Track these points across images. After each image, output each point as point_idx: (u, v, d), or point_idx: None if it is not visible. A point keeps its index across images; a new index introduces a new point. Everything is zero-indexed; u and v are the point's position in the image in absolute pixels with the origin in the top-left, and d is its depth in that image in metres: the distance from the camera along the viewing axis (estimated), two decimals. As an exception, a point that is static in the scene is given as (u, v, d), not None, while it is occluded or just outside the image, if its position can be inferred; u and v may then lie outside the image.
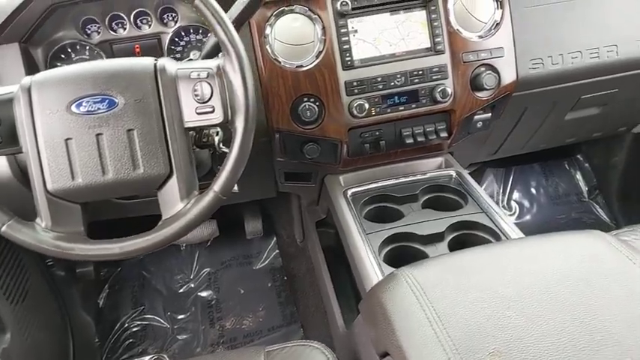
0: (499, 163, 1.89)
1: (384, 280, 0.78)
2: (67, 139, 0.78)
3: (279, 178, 1.34)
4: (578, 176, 1.93)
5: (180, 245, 1.80)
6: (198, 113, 0.83)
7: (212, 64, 0.84)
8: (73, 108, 0.78)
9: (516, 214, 1.88)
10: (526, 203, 1.90)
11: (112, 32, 1.12)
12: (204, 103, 0.82)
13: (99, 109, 0.79)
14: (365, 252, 1.00)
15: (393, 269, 0.90)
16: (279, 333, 1.58)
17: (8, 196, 0.93)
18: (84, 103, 0.79)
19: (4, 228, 0.79)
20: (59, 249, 0.80)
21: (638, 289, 0.67)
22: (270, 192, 1.43)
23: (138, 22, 1.14)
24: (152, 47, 1.15)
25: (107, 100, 0.79)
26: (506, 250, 0.79)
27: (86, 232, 0.83)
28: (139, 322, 1.66)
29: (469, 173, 1.75)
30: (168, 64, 0.84)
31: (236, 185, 1.12)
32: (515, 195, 1.91)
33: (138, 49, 1.15)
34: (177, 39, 1.15)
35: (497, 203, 1.89)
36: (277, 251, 1.79)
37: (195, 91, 0.82)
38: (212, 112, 0.83)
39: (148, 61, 0.82)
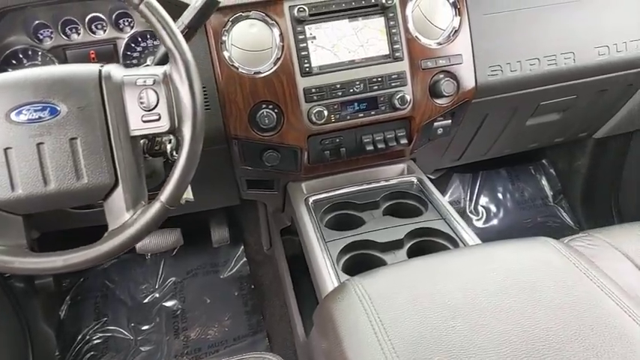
0: (466, 169, 1.91)
1: (335, 290, 0.77)
2: (6, 149, 0.75)
3: (242, 186, 1.32)
4: (544, 181, 1.96)
5: (145, 254, 1.76)
6: (144, 121, 0.81)
7: (159, 70, 0.82)
8: (13, 116, 0.75)
9: (483, 219, 1.90)
10: (493, 208, 1.92)
11: (64, 37, 1.09)
12: (149, 110, 0.80)
13: (40, 117, 0.76)
14: (323, 260, 0.99)
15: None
16: (244, 343, 1.56)
17: None
18: (24, 111, 0.76)
19: None
20: None
21: (583, 297, 0.68)
22: (233, 199, 1.41)
23: (92, 27, 1.11)
24: (108, 53, 1.13)
25: (49, 108, 0.77)
26: (457, 258, 0.79)
27: (29, 244, 0.80)
28: (101, 334, 1.62)
29: (435, 179, 1.78)
30: (114, 70, 0.82)
31: (191, 194, 1.11)
32: (482, 200, 1.92)
33: (93, 55, 1.12)
34: (133, 45, 1.13)
35: (464, 208, 1.91)
36: (245, 259, 1.77)
37: (141, 98, 0.80)
38: (158, 119, 0.81)
39: (92, 68, 0.80)
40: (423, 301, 0.68)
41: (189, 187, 1.13)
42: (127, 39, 1.12)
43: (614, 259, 0.97)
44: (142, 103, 0.80)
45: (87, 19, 1.09)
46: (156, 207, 0.80)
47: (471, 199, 1.91)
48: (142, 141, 0.93)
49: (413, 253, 1.03)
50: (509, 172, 1.97)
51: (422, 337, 0.61)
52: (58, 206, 0.83)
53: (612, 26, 1.25)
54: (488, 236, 1.83)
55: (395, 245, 1.04)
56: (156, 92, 0.80)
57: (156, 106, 0.80)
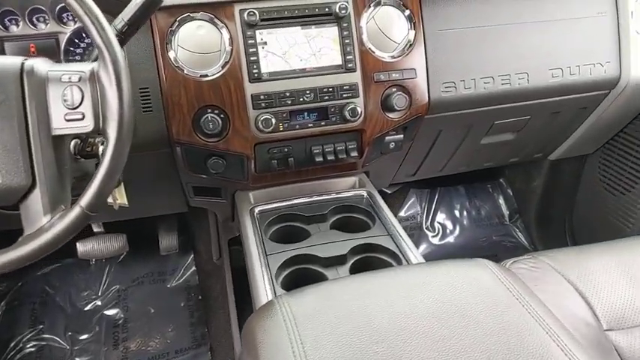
0: (423, 184, 1.91)
1: (262, 308, 0.73)
2: None
3: (188, 192, 1.27)
4: (501, 200, 1.98)
5: (89, 260, 1.68)
6: (67, 120, 0.76)
7: (86, 67, 0.77)
8: None
9: (439, 235, 1.89)
10: (449, 225, 1.91)
11: (2, 29, 1.03)
12: (73, 109, 0.76)
13: None
14: (260, 274, 0.95)
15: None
16: (186, 356, 1.49)
17: None
18: None
19: None
20: None
21: (513, 323, 0.66)
22: (180, 206, 1.35)
23: (34, 19, 1.05)
24: (49, 47, 1.07)
25: None
26: (390, 279, 0.76)
27: None
28: (35, 342, 1.53)
29: (391, 193, 1.76)
30: (39, 64, 0.77)
31: (125, 199, 1.05)
32: (439, 216, 1.92)
33: (33, 49, 1.06)
34: (77, 40, 1.07)
35: (421, 224, 1.90)
36: (194, 269, 1.71)
37: (65, 95, 0.75)
38: (82, 119, 0.76)
39: (13, 61, 0.75)
40: (348, 323, 0.64)
41: (124, 192, 1.09)
42: (69, 34, 1.06)
43: (555, 283, 0.96)
44: (65, 100, 0.76)
45: (27, 11, 1.04)
46: (75, 212, 0.75)
47: (427, 215, 1.90)
48: (73, 141, 0.88)
49: (356, 270, 1.00)
50: (467, 190, 1.97)
51: (341, 361, 0.58)
52: None
53: (567, 50, 1.26)
54: (443, 252, 1.83)
55: (338, 261, 1.01)
56: (81, 90, 0.76)
57: (80, 104, 0.76)
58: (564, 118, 1.43)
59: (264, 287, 0.92)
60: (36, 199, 0.74)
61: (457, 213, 1.94)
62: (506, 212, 1.97)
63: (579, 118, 1.46)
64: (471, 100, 1.21)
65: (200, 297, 1.65)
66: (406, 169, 1.46)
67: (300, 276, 1.00)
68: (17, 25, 1.04)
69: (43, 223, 0.74)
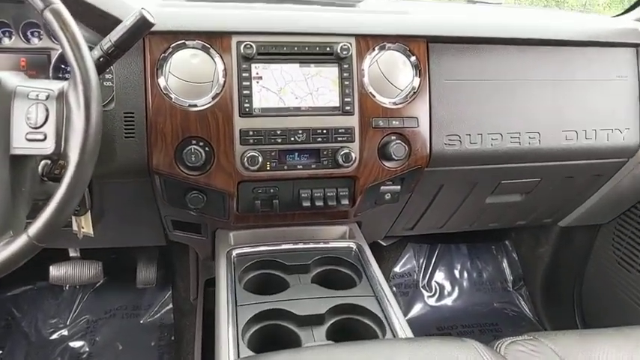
0: (423, 239, 1.80)
1: None
2: None
3: (167, 226, 1.20)
4: (505, 264, 1.86)
5: (63, 285, 1.59)
6: (28, 140, 0.71)
7: (55, 85, 0.72)
8: None
9: (436, 296, 1.77)
10: (448, 285, 1.80)
11: None
12: (35, 128, 0.70)
13: None
14: (226, 329, 0.85)
15: (251, 354, 0.77)
16: (148, 403, 1.38)
17: None
18: None
19: None
20: None
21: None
22: (159, 239, 1.28)
23: (28, 33, 1.02)
24: (40, 63, 1.03)
25: None
26: (368, 354, 0.66)
27: None
28: (-8, 369, 1.43)
29: (386, 246, 1.66)
30: (7, 78, 0.72)
31: (89, 227, 0.98)
32: (438, 275, 1.80)
33: (24, 63, 1.03)
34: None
35: (417, 282, 1.78)
36: (170, 306, 1.61)
37: (29, 113, 0.70)
38: (43, 139, 0.71)
39: None
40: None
41: (90, 221, 1.01)
42: (60, 51, 1.02)
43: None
44: (28, 119, 0.70)
45: (22, 24, 1.01)
46: (20, 241, 0.68)
47: (425, 273, 1.79)
48: (42, 162, 0.82)
49: (334, 333, 0.90)
50: (469, 249, 1.86)
51: None
52: None
53: (583, 112, 1.19)
54: (438, 316, 1.70)
55: (315, 320, 0.91)
56: (46, 109, 0.71)
57: (43, 124, 0.71)
58: (577, 183, 1.34)
59: (227, 346, 0.82)
60: None
61: (457, 273, 1.82)
62: (510, 277, 1.84)
63: (593, 186, 1.37)
64: (476, 156, 1.14)
65: (173, 337, 1.54)
66: (403, 222, 1.37)
67: (271, 333, 0.91)
68: (10, 38, 1.02)
69: (-14, 248, 0.68)
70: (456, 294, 1.78)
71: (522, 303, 1.80)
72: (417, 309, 1.72)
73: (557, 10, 1.59)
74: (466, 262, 1.85)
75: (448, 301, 1.77)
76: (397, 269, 1.76)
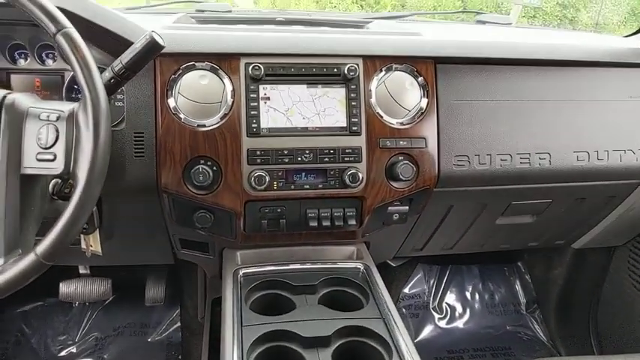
0: (433, 260, 1.78)
1: None
2: None
3: (176, 245, 1.21)
4: (518, 286, 1.82)
5: (72, 302, 1.60)
6: (39, 160, 0.73)
7: (66, 107, 0.74)
8: None
9: (447, 318, 1.74)
10: (459, 307, 1.76)
11: (9, 61, 1.03)
12: (46, 149, 0.72)
13: None
14: (230, 350, 0.85)
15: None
16: (154, 423, 1.37)
17: None
18: None
19: None
20: None
21: None
22: (167, 258, 1.28)
23: (43, 55, 1.05)
24: (54, 83, 1.06)
25: None
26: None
27: None
28: (1, 384, 1.44)
29: (396, 267, 1.64)
30: (20, 99, 0.74)
31: (98, 245, 0.99)
32: (449, 297, 1.77)
33: (38, 84, 1.06)
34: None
35: (427, 303, 1.75)
36: (178, 324, 1.61)
37: (40, 134, 0.72)
38: (53, 160, 0.72)
39: None
40: None
41: (98, 239, 1.02)
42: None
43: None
44: (39, 139, 0.72)
45: (37, 46, 1.04)
46: (28, 260, 0.69)
47: (436, 295, 1.76)
48: (53, 180, 0.84)
49: (340, 355, 0.89)
50: (481, 271, 1.83)
51: None
52: None
53: (594, 132, 1.18)
54: (449, 339, 1.67)
55: (320, 342, 0.89)
56: (57, 130, 0.73)
57: (53, 144, 0.73)
58: (590, 205, 1.31)
59: None
60: None
61: (468, 295, 1.79)
62: (523, 300, 1.80)
63: (607, 207, 1.35)
64: (485, 176, 1.13)
65: (180, 356, 1.53)
66: (413, 243, 1.36)
67: (276, 354, 0.90)
68: (25, 59, 1.05)
69: (-6, 267, 0.69)
70: (467, 316, 1.75)
71: (536, 326, 1.75)
72: (427, 331, 1.69)
73: (570, 29, 1.59)
74: (478, 284, 1.81)
75: (459, 324, 1.73)
76: (407, 290, 1.73)
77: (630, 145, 1.20)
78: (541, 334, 1.74)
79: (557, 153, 1.15)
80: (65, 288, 1.43)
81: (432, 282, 1.77)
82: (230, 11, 1.44)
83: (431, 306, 1.75)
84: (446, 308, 1.76)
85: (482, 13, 1.63)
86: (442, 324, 1.72)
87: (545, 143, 1.15)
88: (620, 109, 1.20)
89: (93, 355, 1.53)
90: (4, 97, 0.73)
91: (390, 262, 1.62)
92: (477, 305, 1.78)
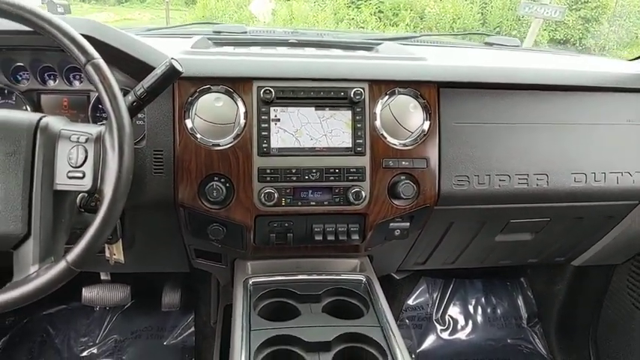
0: (438, 274, 1.83)
1: None
2: None
3: (191, 254, 1.29)
4: (520, 300, 1.86)
5: (94, 306, 1.70)
6: (69, 177, 0.81)
7: (94, 129, 0.82)
8: None
9: (450, 330, 1.79)
10: (461, 320, 1.81)
11: (40, 82, 1.12)
12: (76, 167, 0.80)
13: None
14: (239, 352, 0.92)
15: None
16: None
17: None
18: None
19: None
20: None
21: None
22: (183, 266, 1.36)
23: (70, 76, 1.13)
24: (80, 103, 1.15)
25: None
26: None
27: None
28: (26, 382, 1.53)
29: (399, 279, 1.70)
30: (53, 122, 0.82)
31: (121, 254, 1.07)
32: (452, 309, 1.82)
33: (66, 103, 1.15)
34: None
35: (431, 315, 1.80)
36: (192, 329, 1.69)
37: (70, 154, 0.80)
38: (82, 177, 0.80)
39: (31, 117, 0.81)
40: None
41: (121, 248, 1.11)
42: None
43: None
44: (70, 159, 0.80)
45: (65, 69, 1.12)
46: (60, 266, 0.77)
47: (439, 307, 1.81)
48: (80, 194, 0.92)
49: (341, 358, 0.96)
50: (484, 285, 1.88)
51: None
52: None
53: (592, 155, 1.22)
54: (451, 350, 1.72)
55: (322, 347, 0.96)
56: (85, 150, 0.81)
57: (82, 164, 0.80)
58: (588, 224, 1.36)
59: None
60: (28, 249, 0.78)
61: (471, 308, 1.83)
62: (524, 314, 1.84)
63: (605, 227, 1.39)
64: (484, 196, 1.18)
65: (193, 359, 1.61)
66: (415, 257, 1.42)
67: (281, 357, 0.97)
68: (54, 81, 1.13)
69: (30, 273, 0.77)
70: (469, 329, 1.80)
71: (536, 340, 1.79)
72: (429, 342, 1.74)
73: (574, 53, 1.64)
74: (481, 298, 1.86)
75: (461, 336, 1.78)
76: (410, 302, 1.79)
77: (627, 167, 1.24)
78: (541, 348, 1.78)
79: (555, 174, 1.20)
80: (87, 293, 1.52)
81: (435, 295, 1.82)
82: (245, 32, 1.53)
83: (434, 317, 1.80)
84: (448, 320, 1.81)
85: (490, 35, 1.69)
86: (444, 335, 1.77)
87: (543, 165, 1.20)
88: (618, 132, 1.24)
89: (112, 357, 1.62)
90: (40, 119, 0.81)
91: (394, 275, 1.67)
92: (479, 318, 1.83)
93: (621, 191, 1.25)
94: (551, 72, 1.24)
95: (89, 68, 0.78)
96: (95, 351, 1.63)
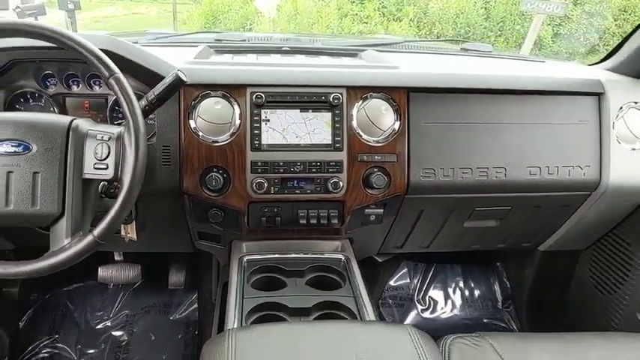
0: (420, 258, 2.01)
1: (216, 336, 0.89)
2: None
3: (194, 236, 1.47)
4: (496, 284, 2.03)
5: (108, 284, 1.89)
6: (95, 168, 0.99)
7: (115, 130, 1.00)
8: None
9: (430, 310, 1.96)
10: (441, 301, 1.99)
11: (65, 87, 1.30)
12: (100, 160, 0.98)
13: (15, 151, 0.94)
14: (233, 314, 1.10)
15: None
16: (173, 383, 1.64)
17: None
18: (4, 145, 0.94)
19: None
20: None
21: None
22: (187, 247, 1.55)
23: (91, 82, 1.30)
24: (99, 105, 1.32)
25: (23, 145, 0.95)
26: (324, 329, 0.89)
27: None
28: (49, 350, 1.73)
29: (382, 262, 1.88)
30: (82, 124, 1.00)
31: (134, 233, 1.26)
32: (433, 291, 2.00)
33: (87, 105, 1.32)
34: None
35: (412, 296, 1.98)
36: (196, 305, 1.88)
37: (96, 149, 0.98)
38: (105, 168, 0.98)
39: (65, 119, 0.99)
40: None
41: (134, 228, 1.29)
42: (115, 97, 1.32)
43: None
44: (96, 153, 0.98)
45: (87, 76, 1.30)
46: (88, 239, 0.95)
47: (420, 289, 1.99)
48: (102, 183, 1.10)
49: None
50: (463, 270, 2.05)
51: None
52: (13, 224, 0.99)
53: (546, 151, 1.37)
54: (431, 327, 1.89)
55: (302, 312, 1.15)
56: (109, 147, 0.98)
57: (106, 158, 0.98)
58: (546, 213, 1.52)
59: (232, 326, 1.07)
60: (62, 225, 0.96)
61: (450, 291, 2.01)
62: (499, 297, 2.01)
63: (563, 215, 1.54)
64: (449, 186, 1.35)
65: (196, 332, 1.80)
66: (393, 241, 1.59)
67: (268, 320, 1.15)
68: (77, 86, 1.31)
69: (64, 244, 0.95)
70: (448, 309, 1.97)
71: (510, 321, 1.96)
72: (410, 318, 1.92)
73: (542, 58, 1.79)
74: (460, 282, 2.03)
75: (441, 315, 1.96)
76: (392, 283, 1.97)
77: (578, 162, 1.39)
78: (513, 327, 1.94)
79: (512, 168, 1.36)
80: (102, 272, 1.72)
81: (417, 278, 2.00)
82: (244, 40, 1.70)
83: (415, 298, 1.97)
84: (429, 301, 1.98)
85: (466, 42, 1.85)
86: (425, 315, 1.95)
87: (501, 159, 1.36)
88: (570, 131, 1.40)
89: (124, 329, 1.81)
90: (71, 121, 0.99)
91: (376, 258, 1.85)
92: (457, 300, 2.00)
93: (573, 183, 1.40)
94: (509, 78, 1.39)
95: (111, 82, 0.96)
96: (109, 324, 1.83)
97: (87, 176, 0.99)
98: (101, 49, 0.99)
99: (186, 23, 11.00)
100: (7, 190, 0.94)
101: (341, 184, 1.26)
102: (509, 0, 10.07)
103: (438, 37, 9.45)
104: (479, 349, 1.07)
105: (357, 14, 9.76)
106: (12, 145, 0.95)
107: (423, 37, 9.26)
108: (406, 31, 9.32)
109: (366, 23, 9.48)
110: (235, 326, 1.07)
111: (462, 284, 2.03)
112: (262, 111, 1.25)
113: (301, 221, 1.29)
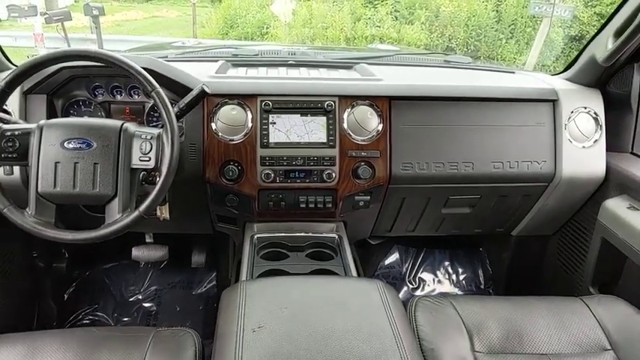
0: (410, 243, 2.27)
1: (232, 286, 1.18)
2: (56, 163, 1.21)
3: (214, 219, 1.76)
4: (479, 267, 2.29)
5: (140, 263, 2.20)
6: (140, 160, 1.28)
7: (156, 131, 1.29)
8: (65, 144, 1.23)
9: (419, 289, 2.23)
10: (430, 282, 2.25)
11: (111, 96, 1.61)
12: (144, 154, 1.27)
13: (80, 147, 1.24)
14: (246, 274, 1.39)
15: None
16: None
17: (14, 192, 1.31)
18: (72, 142, 1.24)
19: (4, 210, 1.21)
20: (35, 229, 1.20)
21: (372, 326, 1.03)
22: (208, 229, 1.84)
23: (131, 92, 1.61)
24: (138, 111, 1.63)
25: (86, 143, 1.24)
26: (312, 280, 1.17)
27: (55, 223, 1.24)
28: (90, 317, 2.05)
29: (374, 244, 2.15)
30: (130, 126, 1.30)
31: (167, 213, 1.56)
32: (423, 273, 2.26)
33: (127, 110, 1.63)
34: (155, 107, 1.63)
35: (404, 276, 2.25)
36: (215, 282, 2.18)
37: (141, 146, 1.27)
38: (148, 160, 1.27)
39: (117, 123, 1.28)
40: (276, 304, 1.07)
41: (167, 209, 1.59)
42: (151, 104, 1.62)
43: (449, 316, 1.31)
44: (141, 149, 1.28)
45: (128, 87, 1.60)
46: (135, 214, 1.24)
47: (411, 271, 2.25)
48: (141, 173, 1.39)
49: None
50: (450, 254, 2.31)
51: (260, 321, 1.01)
52: (78, 202, 1.29)
53: (508, 148, 1.62)
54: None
55: None
56: (151, 144, 1.27)
57: (149, 152, 1.27)
58: (512, 201, 1.78)
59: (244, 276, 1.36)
60: (115, 204, 1.25)
61: (439, 274, 2.27)
62: (482, 279, 2.27)
63: (527, 203, 1.80)
64: (425, 178, 1.62)
65: (215, 304, 2.10)
66: (383, 225, 1.86)
67: None
68: (121, 95, 1.61)
69: (116, 218, 1.24)
70: (436, 289, 2.23)
71: (489, 298, 2.22)
72: (401, 295, 2.19)
73: (512, 69, 2.04)
74: (447, 266, 2.29)
75: (430, 293, 2.22)
76: (385, 263, 2.24)
77: (535, 157, 1.65)
78: (492, 305, 2.20)
79: (479, 162, 1.62)
80: (136, 252, 2.02)
81: (408, 262, 2.26)
82: (257, 54, 2.00)
83: (407, 279, 2.24)
84: (419, 281, 2.25)
85: (449, 54, 2.11)
86: (416, 293, 2.22)
87: (469, 155, 1.62)
88: (529, 131, 1.65)
89: (153, 301, 2.12)
90: (122, 124, 1.28)
91: (369, 241, 2.12)
92: (445, 282, 2.26)
93: (532, 175, 1.66)
94: (477, 88, 1.66)
95: (154, 95, 1.25)
96: (140, 297, 2.13)
97: (134, 166, 1.27)
98: (143, 68, 1.28)
99: (205, 27, 11.37)
100: (75, 177, 1.23)
101: (334, 175, 1.54)
102: (520, 3, 10.19)
103: (450, 40, 9.65)
104: (440, 305, 1.34)
105: (370, 18, 9.99)
106: (78, 143, 1.24)
107: (435, 40, 9.48)
108: (418, 34, 9.52)
109: (379, 27, 9.72)
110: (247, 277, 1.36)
111: (449, 268, 2.29)
112: (270, 115, 1.54)
113: (302, 205, 1.58)
